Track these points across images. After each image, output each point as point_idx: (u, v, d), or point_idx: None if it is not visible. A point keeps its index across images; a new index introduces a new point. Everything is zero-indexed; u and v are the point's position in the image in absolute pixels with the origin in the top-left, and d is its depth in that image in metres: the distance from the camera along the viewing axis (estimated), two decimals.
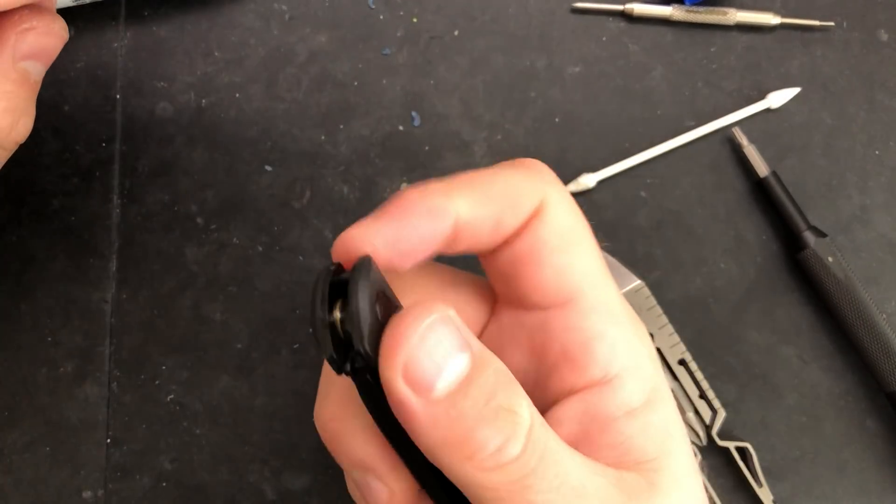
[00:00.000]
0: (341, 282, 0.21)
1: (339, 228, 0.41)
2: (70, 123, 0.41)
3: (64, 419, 0.40)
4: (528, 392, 0.23)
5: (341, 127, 0.42)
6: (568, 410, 0.23)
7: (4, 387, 0.40)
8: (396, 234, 0.22)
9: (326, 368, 0.25)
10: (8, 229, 0.41)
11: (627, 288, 0.39)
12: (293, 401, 0.40)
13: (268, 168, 0.42)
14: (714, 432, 0.40)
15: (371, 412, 0.22)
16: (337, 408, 0.24)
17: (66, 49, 0.31)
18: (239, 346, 0.41)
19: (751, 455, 0.40)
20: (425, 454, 0.21)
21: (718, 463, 0.41)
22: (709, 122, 0.43)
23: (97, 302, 0.41)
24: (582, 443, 0.23)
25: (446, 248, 0.23)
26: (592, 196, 0.42)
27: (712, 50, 0.44)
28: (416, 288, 0.26)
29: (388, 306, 0.22)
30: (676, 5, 0.43)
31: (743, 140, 0.42)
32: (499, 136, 0.42)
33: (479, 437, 0.20)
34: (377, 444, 0.23)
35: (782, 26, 0.44)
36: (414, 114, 0.42)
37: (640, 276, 0.39)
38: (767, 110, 0.43)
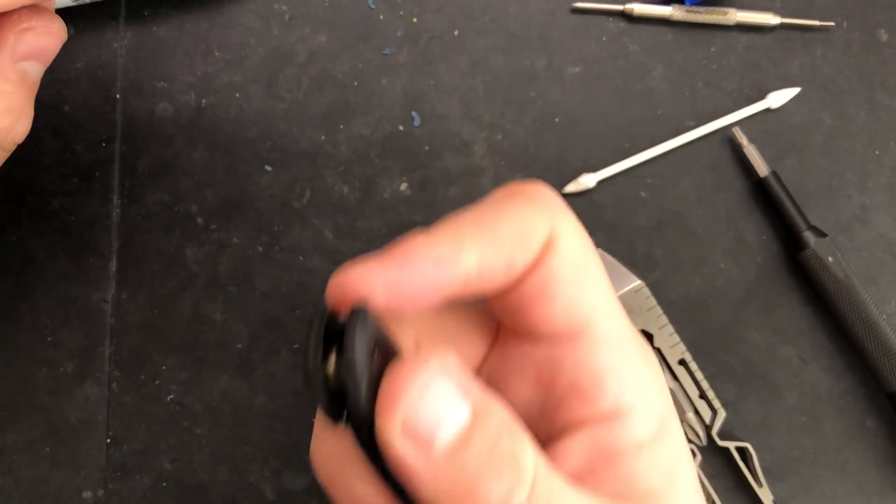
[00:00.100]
0: (337, 328, 0.20)
1: (340, 228, 0.41)
2: (70, 123, 0.41)
3: (64, 419, 0.40)
4: (533, 423, 0.23)
5: (341, 127, 0.42)
6: (575, 444, 0.23)
7: (4, 387, 0.40)
8: (399, 280, 0.21)
9: (320, 414, 0.24)
10: (8, 229, 0.41)
11: (627, 288, 0.39)
12: (293, 401, 0.40)
13: (268, 168, 0.42)
14: (714, 432, 0.40)
15: (368, 463, 0.21)
16: (333, 448, 0.23)
17: (66, 49, 0.31)
18: (239, 346, 0.41)
19: (751, 455, 0.40)
20: None
21: (718, 463, 0.41)
22: (709, 122, 0.43)
23: (97, 302, 0.41)
24: (588, 476, 0.22)
25: (453, 298, 0.22)
26: (592, 196, 0.42)
27: (712, 50, 0.44)
28: (413, 315, 0.25)
29: (386, 353, 0.21)
30: (676, 5, 0.43)
31: (743, 140, 0.42)
32: (499, 136, 0.42)
33: (482, 490, 0.19)
34: (375, 485, 0.22)
35: (782, 26, 0.44)
36: (414, 114, 0.42)
37: (640, 276, 0.39)
38: (767, 110, 0.43)
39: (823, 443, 0.42)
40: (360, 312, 0.20)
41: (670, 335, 0.39)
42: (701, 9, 0.43)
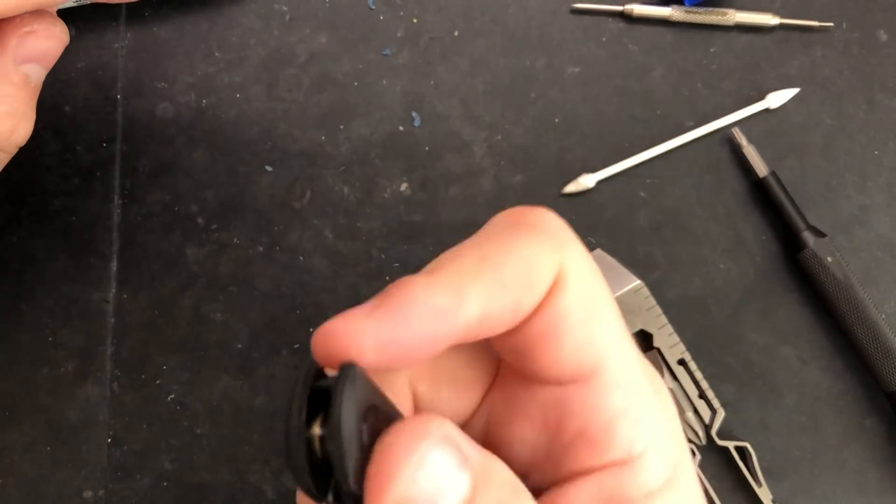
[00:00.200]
0: (324, 387, 0.18)
1: (340, 228, 0.41)
2: (70, 124, 0.41)
3: (64, 419, 0.40)
4: (537, 466, 0.22)
5: (341, 127, 0.42)
6: (582, 492, 0.21)
7: (5, 387, 0.40)
8: (392, 335, 0.19)
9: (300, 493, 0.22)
10: (8, 229, 0.41)
11: (627, 288, 0.39)
12: None
13: (268, 168, 0.42)
14: (713, 432, 0.40)
15: None
16: None
17: (67, 50, 0.31)
18: (239, 346, 0.41)
19: (750, 455, 0.40)
20: None
21: (718, 463, 0.41)
22: (708, 123, 0.43)
23: (98, 302, 0.41)
24: None
25: (453, 346, 0.21)
26: (592, 196, 0.42)
27: (712, 50, 0.44)
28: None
29: (378, 416, 0.19)
30: (676, 6, 0.43)
31: (742, 140, 0.42)
32: (499, 136, 0.43)
33: None
34: None
35: (781, 27, 0.44)
36: (414, 114, 0.42)
37: (640, 276, 0.39)
38: (766, 110, 0.43)
39: (823, 443, 0.42)
40: (349, 371, 0.18)
41: (670, 335, 0.39)
42: (700, 9, 0.43)
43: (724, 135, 0.43)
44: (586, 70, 0.43)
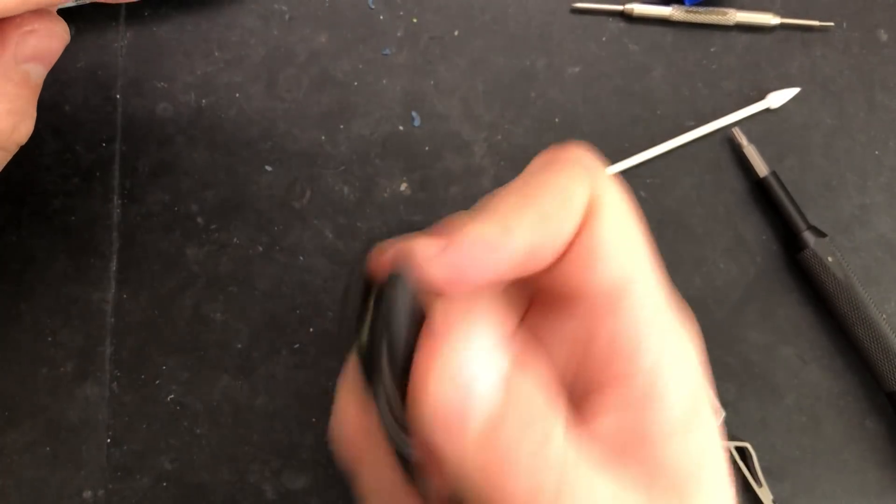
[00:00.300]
0: (373, 290, 0.20)
1: (340, 228, 0.41)
2: (70, 123, 0.41)
3: (64, 419, 0.40)
4: (567, 392, 0.23)
5: (341, 127, 0.42)
6: (605, 424, 0.22)
7: (5, 387, 0.40)
8: (450, 262, 0.20)
9: (343, 386, 0.24)
10: (8, 229, 0.41)
11: None
12: (293, 401, 0.40)
13: (268, 168, 0.42)
14: None
15: (392, 427, 0.21)
16: (357, 426, 0.23)
17: (67, 49, 0.31)
18: (239, 346, 0.41)
19: (750, 455, 0.40)
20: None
21: None
22: (708, 122, 0.43)
23: (97, 302, 0.41)
24: (617, 457, 0.22)
25: (501, 282, 0.22)
26: None
27: (712, 50, 0.44)
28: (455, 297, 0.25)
29: (420, 319, 0.20)
30: (676, 6, 0.43)
31: (742, 140, 0.42)
32: (499, 136, 0.43)
33: (511, 484, 0.19)
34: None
35: (782, 26, 0.44)
36: (414, 114, 0.42)
37: None
38: (767, 110, 0.43)
39: (823, 443, 0.42)
40: (402, 272, 0.20)
41: None
42: (701, 9, 0.43)
43: (725, 135, 0.43)
44: (586, 70, 0.43)
